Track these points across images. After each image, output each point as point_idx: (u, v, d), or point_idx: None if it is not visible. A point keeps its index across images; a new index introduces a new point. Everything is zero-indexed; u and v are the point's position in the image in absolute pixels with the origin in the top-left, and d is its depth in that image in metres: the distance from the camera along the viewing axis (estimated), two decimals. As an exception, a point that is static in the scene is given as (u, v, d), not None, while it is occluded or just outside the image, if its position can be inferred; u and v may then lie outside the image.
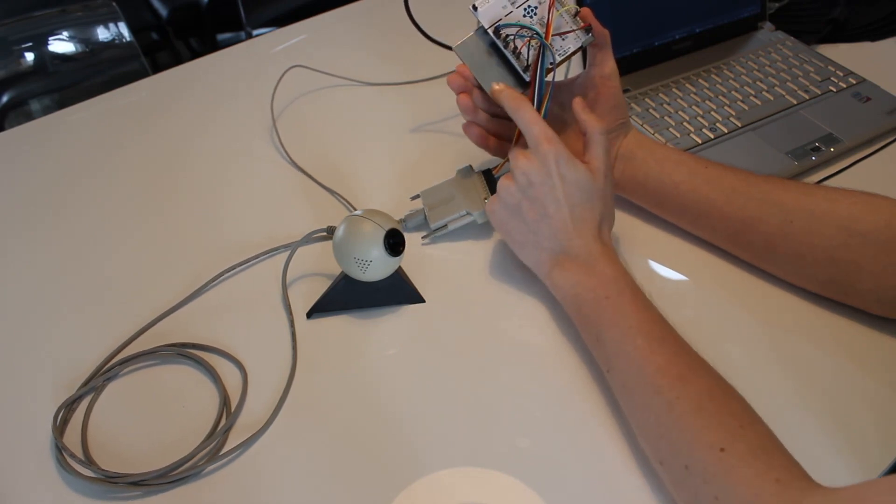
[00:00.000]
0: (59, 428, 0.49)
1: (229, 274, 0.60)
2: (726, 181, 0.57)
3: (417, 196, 0.63)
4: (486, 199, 0.59)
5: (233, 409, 0.51)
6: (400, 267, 0.56)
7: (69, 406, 0.51)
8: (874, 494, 0.36)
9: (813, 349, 0.53)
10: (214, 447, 0.48)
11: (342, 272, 0.55)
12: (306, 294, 0.58)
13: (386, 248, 0.52)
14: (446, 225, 0.61)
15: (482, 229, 0.63)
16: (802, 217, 0.53)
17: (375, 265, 0.52)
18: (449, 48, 0.66)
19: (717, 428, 0.41)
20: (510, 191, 0.54)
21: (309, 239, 0.56)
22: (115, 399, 0.52)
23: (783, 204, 0.54)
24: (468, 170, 0.63)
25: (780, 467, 0.39)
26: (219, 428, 0.49)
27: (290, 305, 0.57)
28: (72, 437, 0.49)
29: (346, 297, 0.56)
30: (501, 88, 0.55)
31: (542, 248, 0.54)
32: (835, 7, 0.84)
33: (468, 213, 0.60)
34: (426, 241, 0.62)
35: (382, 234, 0.52)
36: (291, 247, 0.57)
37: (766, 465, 0.39)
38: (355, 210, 0.59)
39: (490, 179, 0.62)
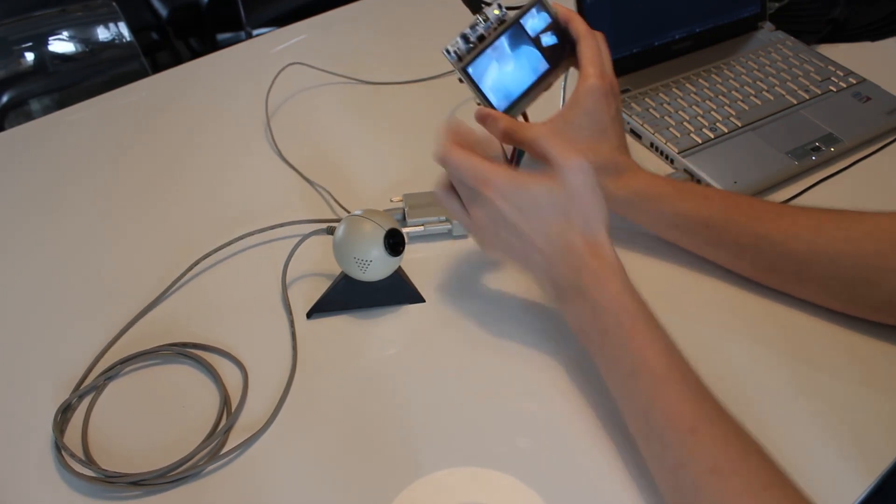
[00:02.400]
0: (60, 428, 0.49)
1: (216, 261, 0.60)
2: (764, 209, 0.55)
3: (399, 200, 0.64)
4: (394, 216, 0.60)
5: (233, 409, 0.51)
6: (400, 267, 0.56)
7: (69, 406, 0.51)
8: None
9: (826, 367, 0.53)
10: (215, 447, 0.48)
11: (342, 272, 0.55)
12: (306, 294, 0.58)
13: (386, 248, 0.52)
14: (423, 226, 0.61)
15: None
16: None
17: (375, 265, 0.52)
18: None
19: (737, 495, 0.38)
20: (486, 235, 0.50)
21: (307, 237, 0.56)
22: (116, 399, 0.52)
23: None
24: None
25: None
26: (219, 428, 0.49)
27: (290, 305, 0.57)
28: (72, 437, 0.49)
29: (346, 297, 0.56)
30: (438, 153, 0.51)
31: (543, 284, 0.50)
32: (835, 7, 0.84)
33: (447, 220, 0.61)
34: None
35: (382, 233, 0.52)
36: (290, 250, 0.57)
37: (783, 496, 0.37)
38: (347, 209, 0.59)
39: None
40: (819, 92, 0.74)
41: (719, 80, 0.76)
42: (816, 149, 0.68)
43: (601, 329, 0.46)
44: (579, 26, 0.55)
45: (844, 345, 0.53)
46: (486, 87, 0.56)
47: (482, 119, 0.55)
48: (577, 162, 0.47)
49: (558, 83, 0.60)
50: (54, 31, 1.14)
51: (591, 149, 0.55)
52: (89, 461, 0.48)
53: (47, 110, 1.12)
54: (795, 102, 0.73)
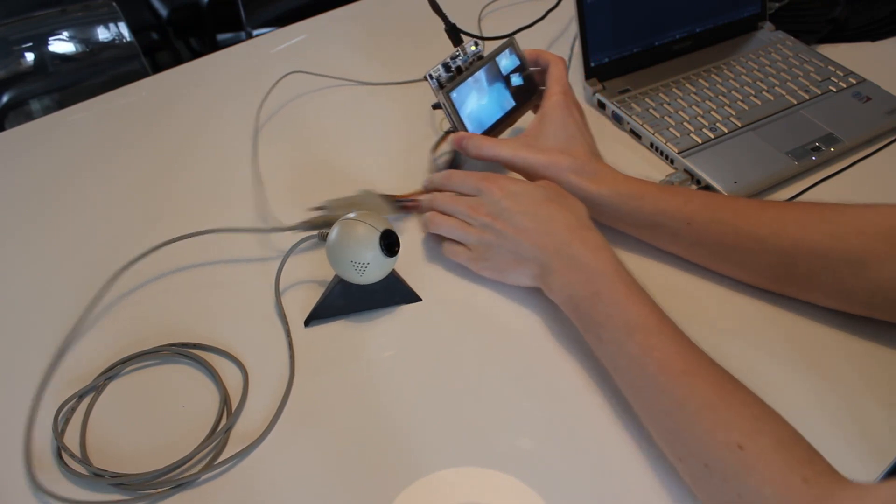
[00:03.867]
0: (60, 427, 0.49)
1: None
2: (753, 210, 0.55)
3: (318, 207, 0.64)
4: (383, 216, 0.61)
5: (233, 409, 0.51)
6: (393, 268, 0.56)
7: (69, 406, 0.51)
8: None
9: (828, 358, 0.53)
10: (215, 447, 0.48)
11: (336, 277, 0.55)
12: (301, 301, 0.58)
13: (382, 249, 0.52)
14: None
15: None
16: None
17: (372, 267, 0.52)
18: (479, 37, 0.73)
19: (732, 424, 0.40)
20: (485, 239, 0.55)
21: (300, 243, 0.56)
22: (116, 399, 0.52)
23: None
24: (369, 192, 0.64)
25: (805, 463, 0.38)
26: (220, 427, 0.49)
27: (284, 314, 0.57)
28: (72, 437, 0.49)
29: (342, 301, 0.56)
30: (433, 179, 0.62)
31: (527, 262, 0.54)
32: (835, 7, 0.84)
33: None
34: (315, 240, 0.62)
35: (377, 235, 0.52)
36: (282, 257, 0.57)
37: (789, 463, 0.38)
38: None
39: (390, 201, 0.63)
40: (819, 92, 0.74)
41: (719, 80, 0.76)
42: (816, 149, 0.68)
43: (594, 291, 0.49)
44: (547, 55, 0.65)
45: (839, 342, 0.53)
46: (465, 114, 0.62)
47: (459, 141, 0.62)
48: (555, 159, 0.57)
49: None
50: (54, 31, 1.14)
51: (565, 153, 0.59)
52: (89, 461, 0.48)
53: (47, 110, 1.12)
54: (795, 102, 0.73)
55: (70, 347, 0.56)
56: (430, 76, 0.61)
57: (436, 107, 0.63)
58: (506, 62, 0.65)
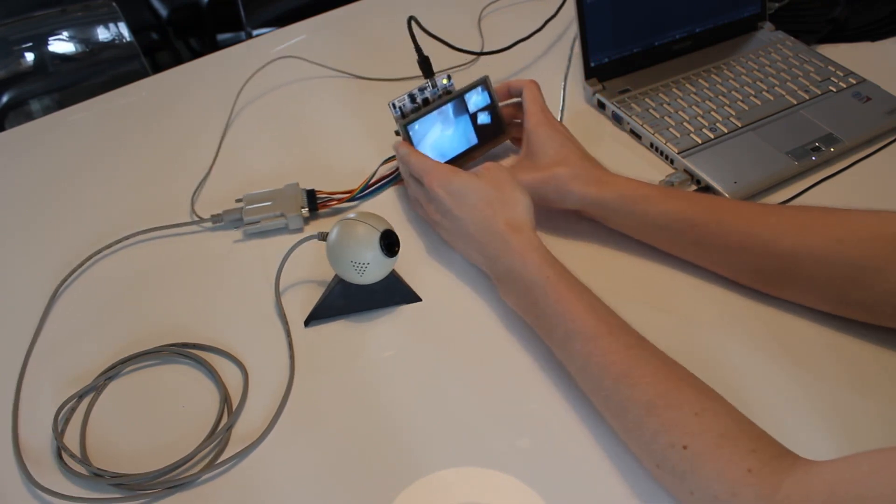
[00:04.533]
0: (60, 427, 0.49)
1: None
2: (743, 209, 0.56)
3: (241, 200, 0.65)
4: (302, 208, 0.63)
5: (234, 409, 0.51)
6: (394, 268, 0.56)
7: (69, 406, 0.51)
8: (861, 474, 0.34)
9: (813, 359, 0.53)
10: (216, 447, 0.48)
11: (336, 277, 0.55)
12: (301, 301, 0.58)
13: (382, 249, 0.52)
14: (259, 221, 0.63)
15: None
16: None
17: (372, 267, 0.52)
18: (475, 53, 0.77)
19: (674, 425, 0.41)
20: (430, 218, 0.59)
21: (300, 243, 0.56)
22: (116, 399, 0.52)
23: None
24: (294, 185, 0.65)
25: (749, 452, 0.39)
26: (220, 427, 0.49)
27: (284, 314, 0.57)
28: (72, 437, 0.49)
29: (342, 301, 0.56)
30: (396, 147, 0.63)
31: (484, 265, 0.56)
32: (835, 7, 0.84)
33: (282, 215, 0.63)
34: (218, 238, 0.64)
35: (377, 235, 0.52)
36: (282, 257, 0.57)
37: (732, 456, 0.39)
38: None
39: (312, 197, 0.65)
40: (819, 92, 0.74)
41: (719, 80, 0.76)
42: (816, 149, 0.68)
43: (532, 301, 0.50)
44: (518, 82, 0.66)
45: (835, 346, 0.53)
46: (425, 145, 0.63)
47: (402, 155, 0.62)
48: (491, 164, 0.57)
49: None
50: (54, 31, 1.14)
51: (560, 163, 0.59)
52: (89, 462, 0.48)
53: (47, 110, 1.12)
54: (795, 102, 0.73)
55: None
56: (394, 105, 0.62)
57: (398, 133, 0.64)
58: (476, 99, 0.66)
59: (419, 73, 0.65)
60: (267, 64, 0.83)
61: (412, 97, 0.63)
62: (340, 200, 0.65)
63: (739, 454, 0.39)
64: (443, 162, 0.63)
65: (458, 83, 0.66)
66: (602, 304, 0.49)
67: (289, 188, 0.65)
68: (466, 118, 0.66)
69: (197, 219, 0.65)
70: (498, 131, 0.68)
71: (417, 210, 0.63)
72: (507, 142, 0.70)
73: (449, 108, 0.65)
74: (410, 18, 0.65)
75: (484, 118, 0.67)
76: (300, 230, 0.64)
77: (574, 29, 0.79)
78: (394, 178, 0.67)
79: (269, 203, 0.64)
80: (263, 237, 0.64)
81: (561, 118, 0.75)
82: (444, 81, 0.65)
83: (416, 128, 0.63)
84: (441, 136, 0.65)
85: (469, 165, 0.66)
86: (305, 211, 0.63)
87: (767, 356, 0.52)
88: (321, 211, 0.65)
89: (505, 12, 0.92)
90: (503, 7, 0.93)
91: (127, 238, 0.64)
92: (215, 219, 0.64)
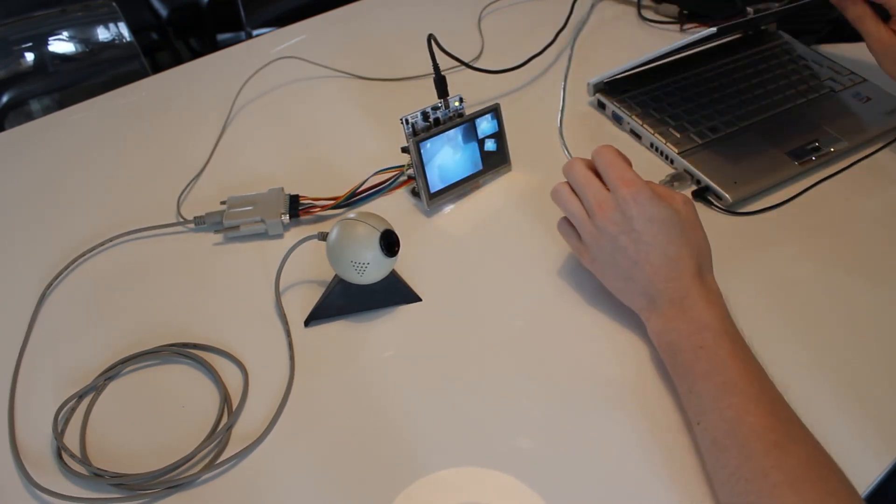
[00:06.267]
0: (60, 427, 0.49)
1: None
2: None
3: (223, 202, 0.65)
4: (282, 214, 0.62)
5: (234, 409, 0.51)
6: (394, 268, 0.56)
7: (69, 406, 0.51)
8: None
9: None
10: (216, 447, 0.48)
11: (336, 277, 0.55)
12: (301, 301, 0.58)
13: (382, 249, 0.52)
14: (239, 227, 0.62)
15: (470, 224, 0.63)
16: None
17: (372, 267, 0.52)
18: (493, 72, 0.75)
19: (810, 502, 0.39)
20: (600, 244, 0.52)
21: (300, 243, 0.56)
22: (116, 399, 0.52)
23: None
24: (278, 190, 0.65)
25: None
26: (220, 427, 0.49)
27: (284, 314, 0.57)
28: (72, 437, 0.49)
29: (343, 301, 0.56)
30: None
31: (638, 294, 0.52)
32: (834, 7, 0.84)
33: (262, 221, 0.62)
34: (216, 238, 0.64)
35: (377, 235, 0.52)
36: (282, 257, 0.57)
37: None
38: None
39: (294, 203, 0.64)
40: (819, 92, 0.74)
41: (719, 80, 0.76)
42: (816, 149, 0.68)
43: (699, 344, 0.47)
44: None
45: (867, 320, 0.53)
46: (433, 165, 0.63)
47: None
48: (685, 197, 0.52)
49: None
50: (54, 31, 1.14)
51: None
52: (89, 462, 0.48)
53: (47, 110, 1.12)
54: (795, 102, 0.73)
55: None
56: (406, 121, 0.61)
57: (404, 150, 0.63)
58: (486, 125, 0.66)
59: (419, 73, 0.65)
60: (267, 64, 0.83)
61: (425, 115, 0.63)
62: (324, 208, 0.64)
63: None
64: (444, 186, 0.64)
65: (453, 89, 0.65)
66: (771, 381, 0.46)
67: (272, 192, 0.64)
68: (475, 144, 0.66)
69: (182, 220, 0.65)
70: (502, 160, 0.68)
71: (575, 217, 0.54)
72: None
73: (460, 132, 0.64)
74: (430, 37, 0.65)
75: (490, 145, 0.67)
76: (280, 236, 0.63)
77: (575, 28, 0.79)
78: (382, 190, 0.66)
79: (250, 208, 0.63)
80: (249, 241, 0.63)
81: (561, 118, 0.76)
82: (456, 104, 0.65)
83: (428, 146, 0.62)
84: (450, 158, 0.64)
85: (469, 192, 0.67)
86: (286, 217, 0.62)
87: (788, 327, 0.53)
88: (303, 217, 0.64)
89: (505, 12, 0.92)
90: (503, 7, 0.93)
91: (118, 237, 0.64)
92: (197, 220, 0.63)
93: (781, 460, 0.41)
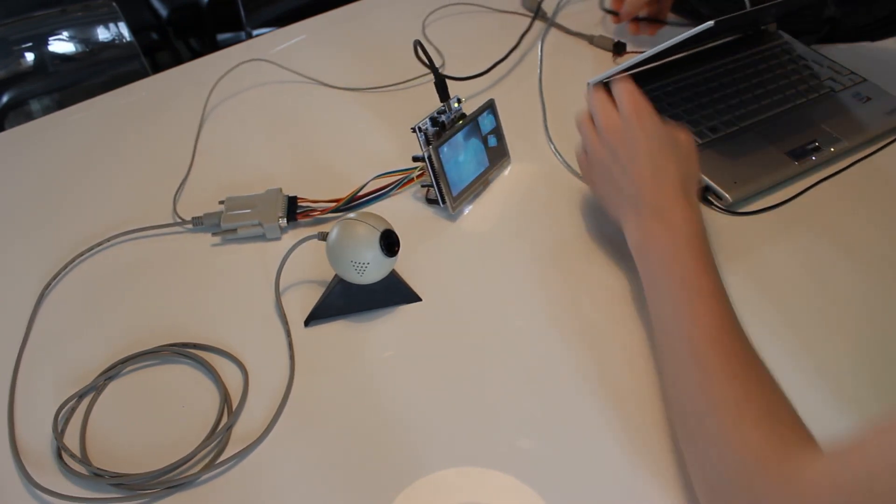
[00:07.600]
0: (60, 427, 0.49)
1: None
2: None
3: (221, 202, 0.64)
4: (280, 218, 0.62)
5: (234, 409, 0.51)
6: (394, 268, 0.56)
7: (69, 406, 0.51)
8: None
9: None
10: (216, 447, 0.48)
11: (336, 277, 0.55)
12: (301, 301, 0.58)
13: (382, 249, 0.52)
14: (236, 230, 0.62)
15: (470, 224, 0.63)
16: None
17: (372, 267, 0.52)
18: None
19: (739, 386, 0.43)
20: (600, 155, 0.57)
21: (300, 243, 0.56)
22: (116, 399, 0.52)
23: None
24: (276, 191, 0.64)
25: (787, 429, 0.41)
26: (220, 427, 0.49)
27: (284, 314, 0.57)
28: (72, 437, 0.49)
29: (343, 301, 0.56)
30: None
31: (623, 197, 0.55)
32: (826, 7, 0.84)
33: (259, 224, 0.62)
34: (216, 238, 0.63)
35: (377, 235, 0.52)
36: (282, 257, 0.57)
37: (772, 429, 0.40)
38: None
39: (292, 205, 0.63)
40: (819, 92, 0.74)
41: (719, 80, 0.76)
42: (816, 149, 0.68)
43: (668, 244, 0.51)
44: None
45: (868, 320, 0.53)
46: (450, 168, 0.62)
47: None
48: (688, 133, 0.57)
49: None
50: (54, 31, 1.14)
51: None
52: (89, 461, 0.48)
53: (47, 110, 1.12)
54: (795, 102, 0.73)
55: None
56: (419, 129, 0.61)
57: (416, 159, 0.62)
58: (485, 123, 0.66)
59: (419, 73, 0.65)
60: (266, 64, 0.83)
61: (434, 121, 0.62)
62: (323, 211, 0.64)
63: (781, 432, 0.40)
64: (462, 188, 0.64)
65: (429, 95, 0.65)
66: (724, 289, 0.49)
67: (270, 194, 0.64)
68: (479, 142, 0.66)
69: (180, 220, 0.65)
70: (503, 154, 0.69)
71: (587, 137, 0.60)
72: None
73: (464, 133, 0.64)
74: (416, 42, 0.64)
75: (492, 141, 0.67)
76: (277, 239, 0.63)
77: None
78: (384, 194, 0.66)
79: (247, 210, 0.62)
80: (248, 241, 0.63)
81: (545, 117, 0.76)
82: (456, 105, 0.65)
83: (445, 150, 0.62)
84: (462, 159, 0.64)
85: (479, 189, 0.67)
86: (283, 221, 0.62)
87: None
88: (301, 220, 0.64)
89: (449, 21, 0.91)
90: (447, 16, 0.92)
91: (118, 237, 0.64)
92: (196, 221, 0.63)
93: (723, 356, 0.45)
